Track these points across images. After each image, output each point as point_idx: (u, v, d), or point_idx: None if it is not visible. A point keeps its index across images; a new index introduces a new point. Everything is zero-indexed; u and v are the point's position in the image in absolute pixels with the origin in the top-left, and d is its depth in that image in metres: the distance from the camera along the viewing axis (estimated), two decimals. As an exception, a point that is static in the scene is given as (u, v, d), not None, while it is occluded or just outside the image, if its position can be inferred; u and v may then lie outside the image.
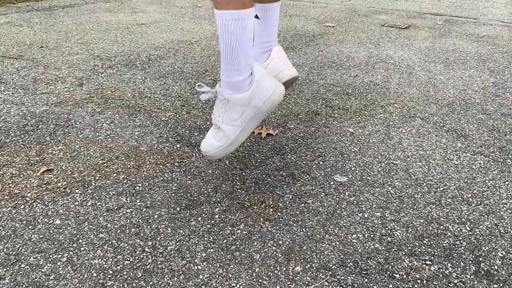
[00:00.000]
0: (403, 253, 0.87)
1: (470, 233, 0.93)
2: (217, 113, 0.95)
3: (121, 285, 0.77)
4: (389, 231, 0.93)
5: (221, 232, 0.91)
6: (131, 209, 0.97)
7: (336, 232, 0.92)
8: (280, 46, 1.07)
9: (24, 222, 0.92)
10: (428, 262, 0.84)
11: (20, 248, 0.85)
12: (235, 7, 0.82)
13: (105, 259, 0.83)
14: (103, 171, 1.11)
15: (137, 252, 0.85)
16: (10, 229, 0.90)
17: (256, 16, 0.98)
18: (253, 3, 0.85)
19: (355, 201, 1.02)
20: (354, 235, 0.91)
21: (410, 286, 0.79)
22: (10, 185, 1.05)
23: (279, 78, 1.03)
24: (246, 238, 0.89)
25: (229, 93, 0.91)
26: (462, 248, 0.88)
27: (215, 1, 0.86)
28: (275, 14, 1.01)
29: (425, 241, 0.90)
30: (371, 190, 1.07)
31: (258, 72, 0.89)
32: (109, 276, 0.79)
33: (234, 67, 0.88)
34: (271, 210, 0.99)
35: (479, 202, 1.04)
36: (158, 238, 0.89)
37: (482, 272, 0.82)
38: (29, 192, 1.02)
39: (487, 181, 1.12)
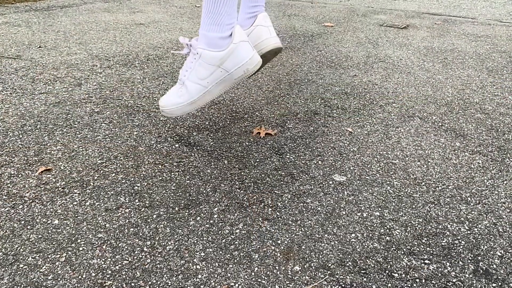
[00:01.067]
0: (402, 252, 0.87)
1: (468, 232, 0.93)
2: (185, 67, 0.89)
3: (119, 284, 0.77)
4: (388, 230, 0.93)
5: (220, 231, 0.91)
6: (129, 209, 0.97)
7: (335, 231, 0.92)
8: (267, 13, 0.99)
9: (23, 222, 0.92)
10: (427, 261, 0.84)
11: (19, 248, 0.85)
12: None
13: (103, 259, 0.83)
14: (101, 171, 1.11)
15: (136, 252, 0.85)
16: (9, 229, 0.90)
17: None
18: None
19: (354, 201, 1.02)
20: (353, 235, 0.91)
21: (409, 285, 0.79)
22: (9, 185, 1.05)
23: (262, 47, 0.97)
24: (245, 238, 0.89)
25: (203, 47, 0.85)
26: (461, 247, 0.89)
27: None
28: None
29: (423, 240, 0.90)
30: (370, 190, 1.07)
31: (238, 36, 0.84)
32: (108, 275, 0.79)
33: (215, 21, 0.82)
34: (269, 209, 0.99)
35: (477, 201, 1.04)
36: (157, 238, 0.88)
37: (481, 271, 0.83)
38: (27, 192, 1.02)
39: (485, 180, 1.12)
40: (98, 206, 0.98)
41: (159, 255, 0.84)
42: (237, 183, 1.08)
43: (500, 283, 0.80)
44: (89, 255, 0.83)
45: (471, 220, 0.97)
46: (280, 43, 0.98)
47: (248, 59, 0.85)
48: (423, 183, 1.10)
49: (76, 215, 0.95)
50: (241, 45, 0.84)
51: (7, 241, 0.87)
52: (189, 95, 0.89)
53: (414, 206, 1.01)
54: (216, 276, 0.79)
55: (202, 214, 0.96)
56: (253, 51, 0.85)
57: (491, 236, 0.92)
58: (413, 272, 0.82)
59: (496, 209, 1.01)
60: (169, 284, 0.77)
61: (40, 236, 0.88)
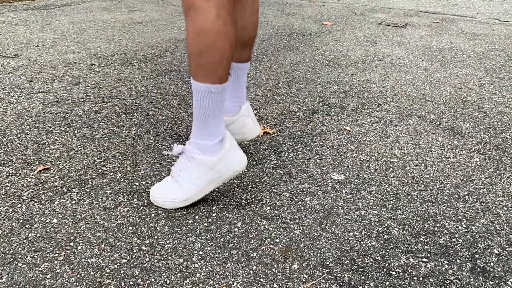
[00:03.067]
0: (400, 250, 0.87)
1: (466, 230, 0.93)
2: (179, 167, 0.97)
3: (118, 283, 0.77)
4: (385, 228, 0.93)
5: (218, 230, 0.91)
6: (128, 208, 0.97)
7: (333, 230, 0.92)
8: (248, 103, 1.13)
9: (21, 221, 0.92)
10: (424, 260, 0.85)
11: (17, 247, 0.85)
12: (212, 82, 0.86)
13: (102, 258, 0.83)
14: (100, 170, 1.11)
15: (134, 251, 0.85)
16: (7, 228, 0.90)
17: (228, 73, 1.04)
18: (228, 76, 0.89)
19: (352, 199, 1.03)
20: (351, 233, 0.91)
21: (407, 283, 0.79)
22: (7, 184, 1.05)
23: (247, 135, 1.11)
24: (243, 236, 0.89)
25: (197, 153, 0.94)
26: (458, 245, 0.89)
27: (192, 72, 0.88)
28: (245, 74, 1.07)
29: (421, 239, 0.90)
30: (368, 188, 1.07)
31: (229, 141, 0.94)
32: (106, 274, 0.79)
33: (205, 133, 0.92)
34: (268, 208, 0.99)
35: (475, 200, 1.04)
36: (155, 237, 0.89)
37: (478, 269, 0.83)
38: (25, 191, 1.02)
39: (483, 179, 1.13)
40: (97, 205, 0.98)
41: (157, 254, 0.84)
42: (235, 181, 1.08)
43: (497, 281, 0.80)
44: (87, 254, 0.84)
45: (468, 218, 0.97)
46: (260, 129, 1.15)
47: (237, 162, 0.96)
48: (421, 182, 1.11)
49: (74, 214, 0.95)
50: (232, 149, 0.95)
51: (6, 240, 0.87)
52: (183, 193, 0.97)
53: (412, 205, 1.01)
54: (214, 274, 0.80)
55: (200, 213, 0.96)
56: (240, 154, 0.96)
57: (488, 234, 0.92)
58: (411, 270, 0.82)
59: (493, 208, 1.01)
60: (168, 283, 0.78)
61: (38, 235, 0.88)
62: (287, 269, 0.81)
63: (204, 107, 0.89)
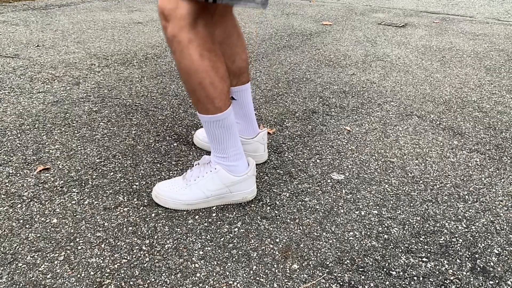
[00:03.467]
0: (400, 250, 0.87)
1: (466, 230, 0.94)
2: (197, 173, 0.99)
3: (118, 283, 0.77)
4: (385, 228, 0.93)
5: (218, 230, 0.91)
6: (128, 208, 0.97)
7: (333, 229, 0.92)
8: (266, 131, 1.16)
9: (21, 221, 0.92)
10: (424, 259, 0.85)
11: (17, 247, 0.85)
12: (214, 112, 0.90)
13: (102, 258, 0.83)
14: (100, 170, 1.11)
15: (135, 251, 0.85)
16: (7, 228, 0.90)
17: (233, 98, 1.07)
18: (230, 103, 0.92)
19: (352, 199, 1.03)
20: (351, 233, 0.91)
21: (407, 283, 0.79)
22: (7, 184, 1.05)
23: (256, 159, 1.15)
24: (243, 236, 0.89)
25: (222, 168, 0.97)
26: (458, 245, 0.89)
27: (194, 106, 0.92)
28: (248, 93, 1.10)
29: (421, 238, 0.90)
30: (368, 188, 1.07)
31: (252, 170, 0.99)
32: (106, 274, 0.79)
33: (222, 154, 0.96)
34: (268, 208, 0.99)
35: (475, 200, 1.04)
36: (156, 237, 0.89)
37: (478, 268, 0.83)
38: (26, 191, 1.02)
39: (483, 179, 1.13)
40: (97, 205, 0.98)
41: (157, 254, 0.84)
42: (235, 181, 1.08)
43: (497, 281, 0.80)
44: (87, 254, 0.84)
45: (468, 218, 0.97)
46: (266, 158, 1.20)
47: (250, 190, 1.00)
48: (421, 182, 1.11)
49: (74, 214, 0.95)
50: (251, 178, 0.99)
51: (6, 240, 0.87)
52: (189, 197, 0.98)
53: (412, 204, 1.01)
54: (214, 274, 0.80)
55: (200, 213, 0.96)
56: (255, 185, 1.01)
57: (488, 234, 0.93)
58: (411, 270, 0.82)
59: (493, 207, 1.01)
60: (168, 283, 0.78)
61: (38, 235, 0.88)
62: (287, 269, 0.81)
63: (216, 134, 0.94)
